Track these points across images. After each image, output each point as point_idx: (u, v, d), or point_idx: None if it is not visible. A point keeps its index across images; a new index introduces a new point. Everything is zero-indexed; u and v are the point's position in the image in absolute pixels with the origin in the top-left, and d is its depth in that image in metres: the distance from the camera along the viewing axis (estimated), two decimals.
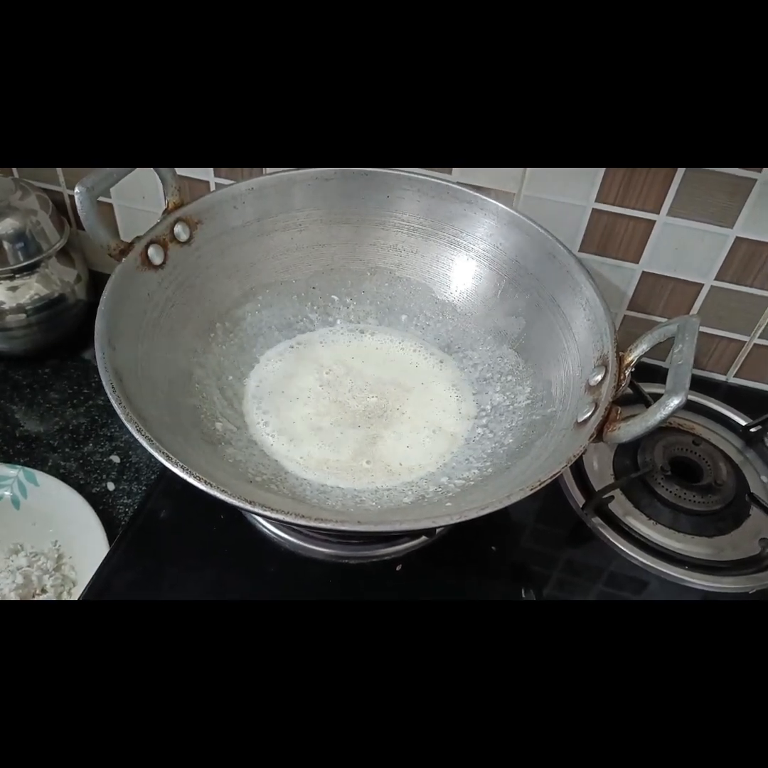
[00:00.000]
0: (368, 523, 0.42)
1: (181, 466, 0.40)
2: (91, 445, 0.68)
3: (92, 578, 0.53)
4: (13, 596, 0.56)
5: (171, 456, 0.41)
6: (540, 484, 0.43)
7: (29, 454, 0.67)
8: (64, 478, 0.63)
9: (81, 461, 0.66)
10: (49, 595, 0.57)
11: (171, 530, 0.57)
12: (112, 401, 0.44)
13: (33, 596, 0.57)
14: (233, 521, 0.57)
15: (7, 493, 0.62)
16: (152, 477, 0.64)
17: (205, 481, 0.40)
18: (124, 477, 0.65)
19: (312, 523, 0.40)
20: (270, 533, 0.57)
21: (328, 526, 0.40)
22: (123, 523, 0.60)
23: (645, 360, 0.52)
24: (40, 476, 0.62)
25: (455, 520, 0.41)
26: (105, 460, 0.66)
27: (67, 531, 0.61)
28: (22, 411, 0.71)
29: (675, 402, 0.42)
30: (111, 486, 0.64)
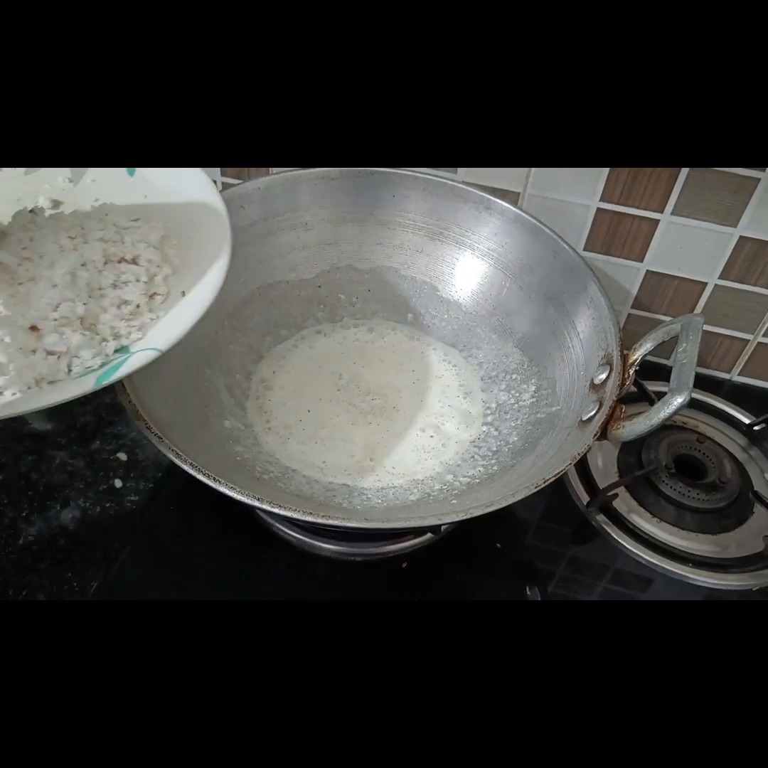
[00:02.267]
0: (375, 521, 0.42)
1: (191, 464, 0.41)
2: (98, 442, 0.68)
3: (100, 577, 0.54)
4: (97, 246, 0.45)
5: (181, 454, 0.42)
6: (544, 483, 0.43)
7: (37, 451, 0.67)
8: (72, 475, 0.64)
9: (88, 459, 0.66)
10: (138, 269, 0.46)
11: (178, 527, 0.58)
12: (123, 400, 0.44)
13: (119, 261, 0.46)
14: (240, 519, 0.58)
15: None
16: (159, 475, 0.65)
17: (215, 479, 0.40)
18: (131, 475, 0.65)
19: (320, 520, 0.40)
20: (277, 530, 0.57)
21: (336, 523, 0.41)
22: (131, 520, 0.61)
23: (649, 358, 0.53)
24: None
25: (461, 517, 0.41)
26: (112, 458, 0.67)
27: (181, 215, 0.50)
28: None
29: (678, 400, 0.43)
30: (118, 483, 0.64)
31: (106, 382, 0.39)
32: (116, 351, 0.43)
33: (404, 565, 0.56)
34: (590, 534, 0.59)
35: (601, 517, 0.60)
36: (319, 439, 0.57)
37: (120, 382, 0.45)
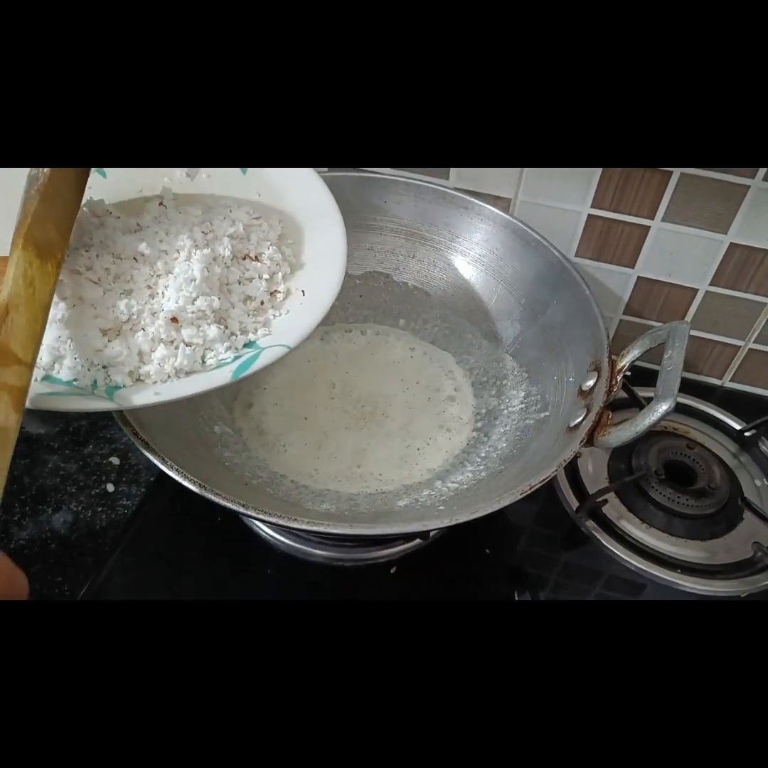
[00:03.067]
0: (360, 527, 0.42)
1: (177, 470, 0.41)
2: (91, 447, 0.68)
3: (90, 581, 0.54)
4: (226, 242, 0.46)
5: (166, 459, 0.42)
6: (530, 489, 0.43)
7: (30, 455, 0.67)
8: (64, 479, 0.64)
9: (81, 463, 0.67)
10: (261, 267, 0.47)
11: (169, 532, 0.58)
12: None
13: (243, 258, 0.47)
14: (230, 523, 0.58)
15: None
16: (151, 479, 0.65)
17: (200, 485, 0.41)
18: (124, 479, 0.65)
19: (305, 526, 0.40)
20: (266, 535, 0.57)
21: (321, 528, 0.41)
22: (122, 524, 0.61)
23: (642, 364, 0.53)
24: None
25: (445, 523, 0.42)
26: (104, 462, 0.67)
27: (295, 215, 0.51)
28: (23, 412, 0.72)
29: (664, 407, 0.43)
30: (110, 487, 0.64)
31: (242, 376, 0.41)
32: (245, 345, 0.44)
33: (393, 570, 0.56)
34: (580, 540, 0.59)
35: (590, 523, 0.60)
36: (310, 446, 0.57)
37: None
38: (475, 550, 0.58)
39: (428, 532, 0.52)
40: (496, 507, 0.42)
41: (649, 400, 0.64)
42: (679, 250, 0.65)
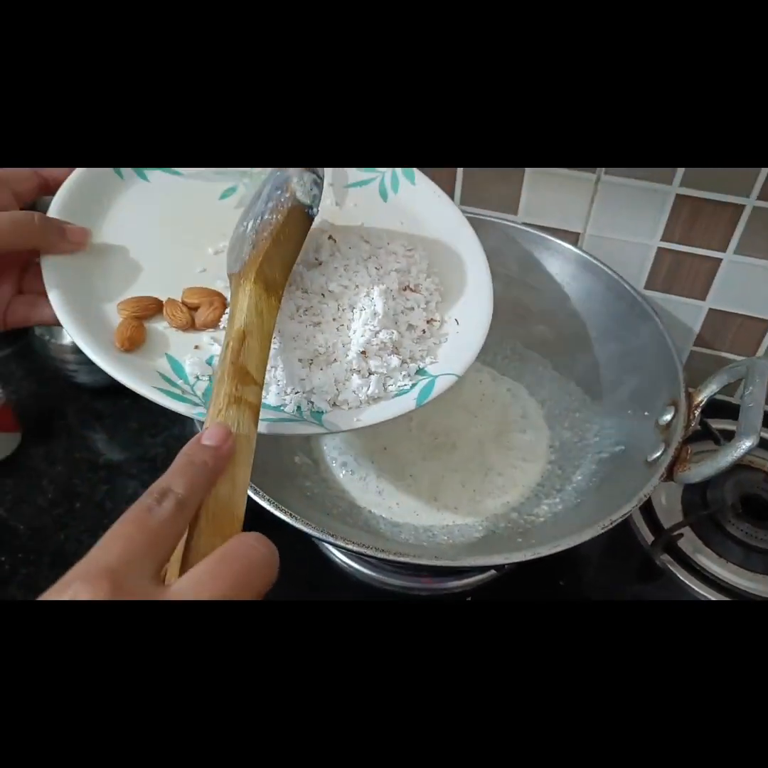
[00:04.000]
0: (444, 559, 0.43)
1: (269, 500, 0.43)
2: None
3: None
4: (394, 276, 0.47)
5: (258, 489, 0.44)
6: (611, 524, 0.43)
7: (111, 481, 0.70)
8: None
9: None
10: (419, 297, 0.48)
11: None
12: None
13: (404, 289, 0.48)
14: (306, 550, 0.59)
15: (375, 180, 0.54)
16: None
17: (292, 514, 0.42)
18: None
19: (391, 557, 0.42)
20: (342, 563, 0.58)
21: (406, 560, 0.42)
22: None
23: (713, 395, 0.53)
24: (419, 176, 0.54)
25: (528, 557, 0.42)
26: None
27: (436, 242, 0.52)
28: (105, 440, 0.75)
29: (746, 444, 0.43)
30: None
31: (424, 403, 0.43)
32: (416, 373, 0.46)
33: (468, 599, 0.56)
34: (655, 573, 0.59)
35: (665, 557, 0.59)
36: (385, 476, 0.58)
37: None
38: (548, 581, 0.58)
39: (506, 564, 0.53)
40: (577, 541, 0.43)
41: (722, 432, 0.64)
42: (752, 282, 0.65)
